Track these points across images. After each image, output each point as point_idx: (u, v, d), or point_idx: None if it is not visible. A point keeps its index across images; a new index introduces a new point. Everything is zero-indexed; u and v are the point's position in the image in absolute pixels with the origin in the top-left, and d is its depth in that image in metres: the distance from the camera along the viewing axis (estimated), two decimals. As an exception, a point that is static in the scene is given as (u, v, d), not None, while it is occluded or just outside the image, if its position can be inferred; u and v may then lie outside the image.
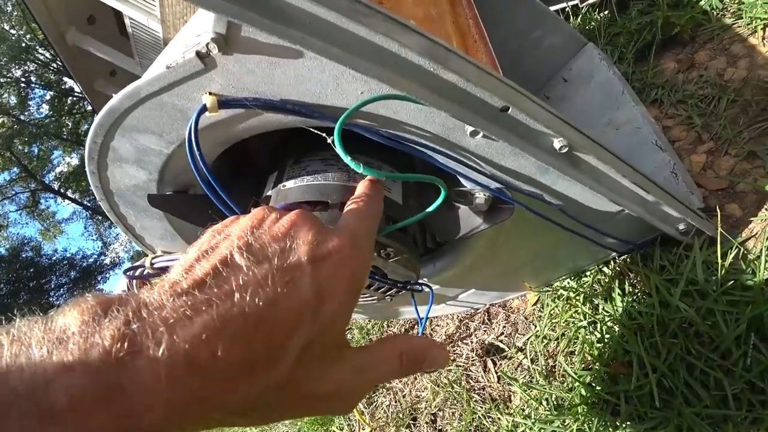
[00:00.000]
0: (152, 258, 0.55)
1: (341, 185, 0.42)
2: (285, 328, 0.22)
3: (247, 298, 0.22)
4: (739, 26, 0.80)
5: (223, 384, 0.20)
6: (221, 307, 0.21)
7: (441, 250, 0.60)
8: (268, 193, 0.46)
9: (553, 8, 0.94)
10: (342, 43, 0.26)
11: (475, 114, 0.32)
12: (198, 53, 0.28)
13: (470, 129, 0.34)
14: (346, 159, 0.30)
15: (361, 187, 0.34)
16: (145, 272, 0.55)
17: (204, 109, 0.29)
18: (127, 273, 0.55)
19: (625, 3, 0.91)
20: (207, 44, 0.27)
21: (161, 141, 0.38)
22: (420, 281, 0.47)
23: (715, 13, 0.83)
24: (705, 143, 0.70)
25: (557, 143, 0.37)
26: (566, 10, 0.95)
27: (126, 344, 0.19)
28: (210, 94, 0.30)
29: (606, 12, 0.95)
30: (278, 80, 0.30)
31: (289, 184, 0.44)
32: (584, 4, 0.93)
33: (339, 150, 0.30)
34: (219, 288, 0.22)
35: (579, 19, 0.96)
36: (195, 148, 0.29)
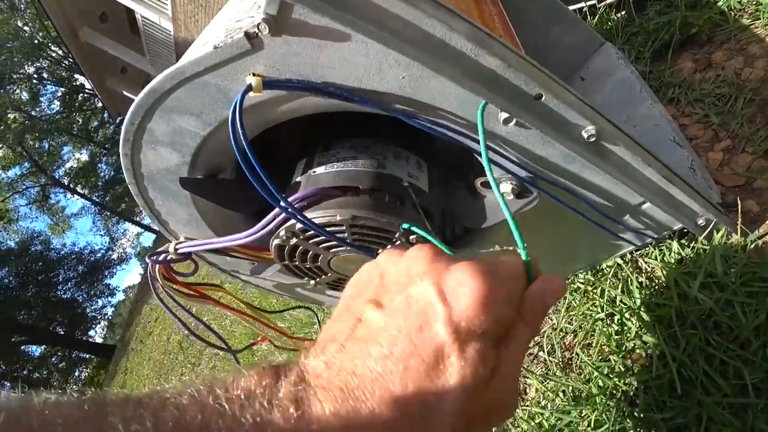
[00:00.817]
0: (176, 244, 0.56)
1: (372, 171, 0.43)
2: (430, 378, 0.22)
3: (385, 352, 0.23)
4: (756, 27, 0.80)
5: None
6: (361, 367, 0.22)
7: (461, 242, 0.61)
8: (298, 179, 0.47)
9: (571, 8, 0.95)
10: (392, 27, 0.27)
11: (510, 101, 0.34)
12: (247, 33, 0.29)
13: (504, 116, 0.35)
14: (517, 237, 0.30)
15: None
16: (168, 257, 0.57)
17: (249, 88, 0.31)
18: (152, 258, 0.57)
19: (643, 3, 0.92)
20: (257, 25, 0.28)
21: (199, 122, 0.39)
22: None
23: (732, 13, 0.83)
24: (722, 141, 0.71)
25: (586, 132, 0.38)
26: (584, 10, 0.96)
27: (298, 406, 0.21)
28: (254, 75, 0.32)
29: (623, 12, 0.96)
30: (322, 63, 0.31)
31: (320, 170, 0.45)
32: (602, 4, 0.94)
33: (498, 197, 0.32)
34: (358, 346, 0.24)
35: (596, 19, 0.97)
36: (238, 127, 0.30)
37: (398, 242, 0.43)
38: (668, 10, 0.87)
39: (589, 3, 0.93)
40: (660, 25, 0.85)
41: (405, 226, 0.39)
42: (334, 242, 0.44)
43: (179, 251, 0.56)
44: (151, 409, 0.20)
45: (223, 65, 0.32)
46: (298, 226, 0.42)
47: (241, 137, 0.30)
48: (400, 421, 0.21)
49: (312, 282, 0.57)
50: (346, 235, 0.41)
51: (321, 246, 0.45)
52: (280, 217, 0.40)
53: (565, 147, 0.38)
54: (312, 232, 0.43)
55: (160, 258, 0.56)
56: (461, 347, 0.22)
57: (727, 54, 0.81)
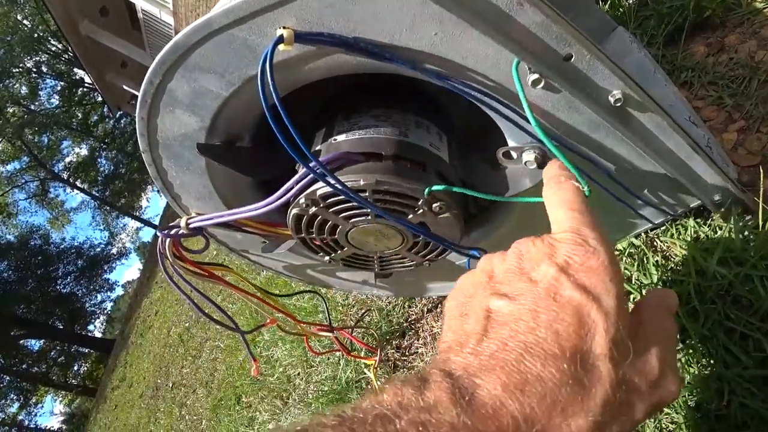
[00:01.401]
0: (188, 219, 0.56)
1: (395, 139, 0.43)
2: (580, 336, 0.23)
3: (531, 324, 0.24)
4: (771, 10, 0.80)
5: (561, 407, 0.21)
6: (515, 343, 0.24)
7: (477, 220, 0.61)
8: (318, 147, 0.47)
9: (583, -9, 0.95)
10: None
11: (540, 61, 0.33)
12: (281, -16, 0.29)
13: (533, 78, 0.35)
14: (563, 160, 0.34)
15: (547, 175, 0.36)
16: (180, 232, 0.56)
17: (281, 39, 0.30)
18: (163, 232, 0.56)
19: (656, -13, 0.91)
20: (293, -27, 0.28)
21: (221, 81, 0.39)
22: (473, 247, 0.48)
23: (746, -3, 0.83)
24: (736, 122, 0.71)
25: (612, 97, 0.38)
26: (596, -7, 0.96)
27: (459, 397, 0.21)
28: (284, 28, 0.31)
29: (635, -2, 0.96)
30: (355, 17, 0.31)
31: (341, 137, 0.45)
32: (614, -13, 0.93)
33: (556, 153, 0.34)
34: (501, 329, 0.25)
35: (608, 5, 0.97)
36: (269, 78, 0.30)
37: (420, 210, 0.43)
38: (682, -7, 0.86)
39: (601, -13, 0.93)
40: (673, 9, 0.84)
41: (436, 188, 0.39)
42: (355, 212, 0.44)
43: (191, 226, 0.55)
44: None
45: (252, 17, 0.31)
46: (320, 192, 0.42)
47: (272, 90, 0.30)
48: (567, 377, 0.22)
49: (327, 258, 0.57)
50: (369, 200, 0.41)
51: (341, 216, 0.45)
52: (305, 180, 0.40)
53: (592, 111, 0.38)
54: (332, 200, 0.43)
55: (172, 232, 0.55)
56: (597, 302, 0.24)
57: (741, 37, 0.81)
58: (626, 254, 0.64)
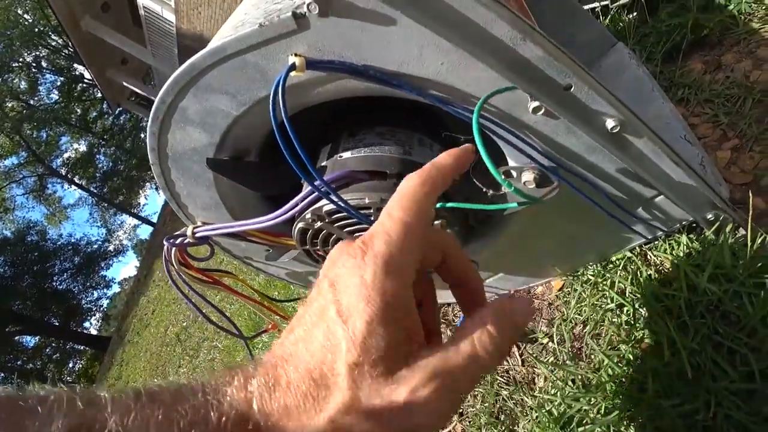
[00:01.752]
0: (194, 228, 0.57)
1: (399, 158, 0.44)
2: (324, 354, 0.24)
3: (296, 337, 0.26)
4: (766, 31, 0.82)
5: (294, 421, 0.23)
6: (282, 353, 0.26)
7: (476, 231, 0.63)
8: (323, 163, 0.49)
9: (584, 7, 0.97)
10: (437, 12, 0.29)
11: (540, 91, 0.35)
12: (294, 13, 0.30)
13: (533, 105, 0.36)
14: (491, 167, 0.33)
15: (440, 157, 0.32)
16: (186, 241, 0.58)
17: (293, 67, 0.32)
18: (169, 240, 0.58)
19: (655, 5, 0.93)
20: (308, 4, 0.29)
21: (233, 102, 0.40)
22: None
23: (742, 17, 0.85)
24: (730, 140, 0.73)
25: (609, 123, 0.40)
26: (597, 10, 0.97)
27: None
28: (296, 55, 0.33)
29: (635, 14, 0.98)
30: (365, 46, 0.32)
31: (346, 155, 0.46)
32: (614, 5, 0.95)
33: (482, 152, 0.33)
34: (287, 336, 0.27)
35: (608, 20, 0.99)
36: (280, 104, 0.31)
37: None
38: (680, 12, 0.88)
39: (602, 3, 0.95)
40: (672, 27, 0.86)
41: (437, 205, 0.41)
42: (359, 226, 0.45)
43: (197, 235, 0.56)
44: None
45: (266, 44, 0.33)
46: (325, 208, 0.43)
47: (283, 113, 0.31)
48: (306, 391, 0.24)
49: (330, 267, 0.58)
50: (373, 219, 0.42)
51: (345, 230, 0.47)
52: (310, 197, 0.41)
53: (589, 137, 0.40)
54: (337, 216, 0.44)
55: (177, 241, 0.57)
56: (345, 323, 0.24)
57: (737, 56, 0.83)
58: (621, 267, 0.66)
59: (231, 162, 0.48)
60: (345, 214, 0.43)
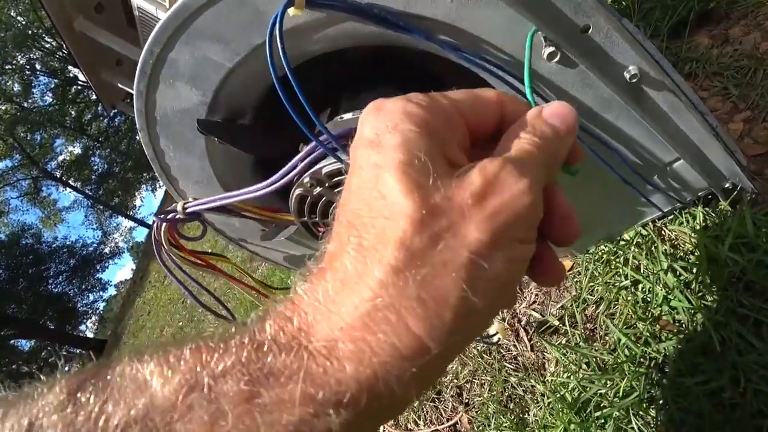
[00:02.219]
0: (184, 203, 0.54)
1: None
2: (371, 194, 0.20)
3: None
4: (775, 3, 0.80)
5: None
6: None
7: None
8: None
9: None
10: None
11: (556, 32, 0.32)
12: (292, -58, 0.28)
13: (548, 51, 0.33)
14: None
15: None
16: (177, 216, 0.54)
17: (290, 3, 0.29)
18: (159, 216, 0.54)
19: (660, -21, 0.91)
20: (307, -71, 0.26)
21: (226, 51, 0.37)
22: None
23: (751, -11, 0.83)
24: (742, 112, 0.70)
25: (629, 72, 0.37)
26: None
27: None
28: (294, -7, 0.30)
29: (638, -11, 0.95)
30: (369, -22, 0.29)
31: (347, 116, 0.43)
32: (618, -21, 0.93)
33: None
34: None
35: (611, -4, 0.96)
36: (279, 44, 0.29)
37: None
38: (687, -15, 0.86)
39: (606, -22, 0.92)
40: (678, 1, 0.84)
41: None
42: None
43: (188, 210, 0.53)
44: None
45: (262, -21, 0.30)
46: (325, 170, 0.40)
47: (282, 56, 0.29)
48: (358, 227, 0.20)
49: (329, 244, 0.55)
50: None
51: (346, 196, 0.44)
52: (312, 156, 0.38)
53: (606, 87, 0.37)
54: (338, 179, 0.41)
55: (168, 217, 0.54)
56: (379, 146, 0.21)
57: (745, 29, 0.80)
58: (634, 244, 0.63)
59: (223, 124, 0.45)
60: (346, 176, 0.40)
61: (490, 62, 0.34)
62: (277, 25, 0.28)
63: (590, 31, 0.33)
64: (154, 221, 0.55)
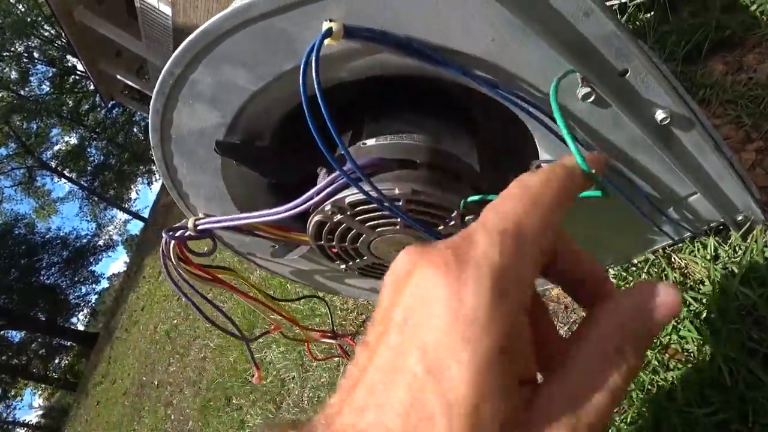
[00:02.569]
0: (196, 220, 0.53)
1: (429, 146, 0.41)
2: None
3: (362, 400, 0.17)
4: (788, 32, 0.80)
5: None
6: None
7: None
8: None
9: (601, 3, 0.95)
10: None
11: (595, 74, 0.32)
12: (332, -25, 0.27)
13: (583, 92, 0.33)
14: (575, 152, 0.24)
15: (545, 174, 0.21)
16: (186, 234, 0.54)
17: (328, 33, 0.28)
18: (168, 233, 0.54)
19: (675, 4, 0.91)
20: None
21: (250, 75, 0.36)
22: None
23: (765, 18, 0.83)
24: (754, 142, 0.71)
25: (660, 115, 0.37)
26: (614, 7, 0.95)
27: None
28: (331, 21, 0.29)
29: (652, 13, 0.96)
30: (408, 13, 0.29)
31: (370, 142, 0.43)
32: (632, 3, 0.93)
33: (569, 142, 0.25)
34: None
35: (625, 18, 0.96)
36: (315, 74, 0.28)
37: (452, 222, 0.41)
38: (702, 11, 0.86)
39: (621, 1, 0.93)
40: (694, 26, 0.84)
41: (471, 198, 0.37)
42: (382, 221, 0.42)
43: (199, 228, 0.53)
44: None
45: (299, 5, 0.29)
46: (348, 199, 0.40)
47: (315, 85, 0.28)
48: None
49: (343, 266, 0.55)
50: (405, 212, 0.39)
51: (367, 224, 0.43)
52: (334, 185, 0.38)
53: (636, 128, 0.37)
54: (361, 208, 0.41)
55: (177, 234, 0.53)
56: (436, 380, 0.15)
57: (759, 58, 0.81)
58: (644, 270, 0.63)
59: (242, 146, 0.45)
60: (369, 207, 0.40)
61: (525, 100, 0.34)
62: (314, 55, 0.28)
63: (628, 75, 0.33)
64: (163, 237, 0.54)
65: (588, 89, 0.33)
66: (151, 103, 0.42)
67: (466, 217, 0.40)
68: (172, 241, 0.53)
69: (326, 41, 0.29)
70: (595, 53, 0.31)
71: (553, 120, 0.35)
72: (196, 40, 0.34)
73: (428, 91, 0.48)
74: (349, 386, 0.18)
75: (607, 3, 0.96)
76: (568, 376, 0.17)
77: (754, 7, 0.83)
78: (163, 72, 0.38)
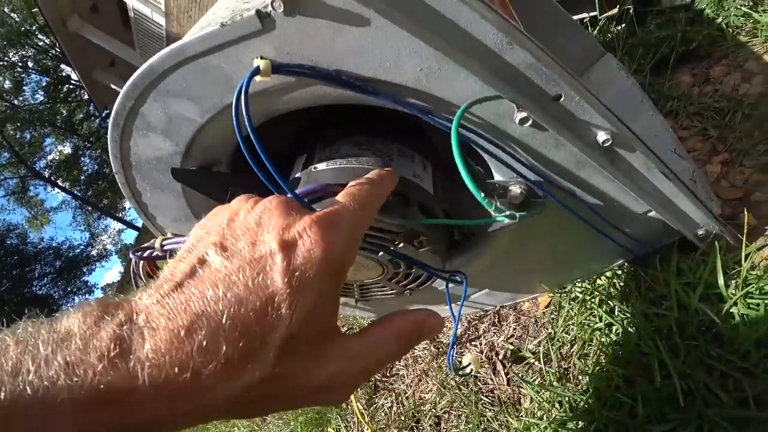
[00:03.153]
0: (162, 240, 0.53)
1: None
2: (260, 323, 0.22)
3: (220, 295, 0.22)
4: (754, 44, 0.81)
5: (203, 382, 0.21)
6: (196, 306, 0.22)
7: (461, 247, 0.60)
8: (297, 175, 0.46)
9: (573, 18, 0.96)
10: (416, 13, 0.26)
11: (528, 100, 0.32)
12: (259, 12, 0.28)
13: (520, 116, 0.34)
14: (474, 191, 0.29)
15: (372, 173, 0.33)
16: (154, 254, 0.54)
17: (257, 71, 0.29)
18: (136, 254, 0.54)
19: (643, 17, 0.93)
20: (272, 2, 0.26)
21: (196, 108, 0.37)
22: (455, 270, 0.47)
23: (731, 30, 0.85)
24: (720, 154, 0.72)
25: (601, 137, 0.37)
26: (585, 20, 0.97)
27: (118, 346, 0.20)
28: (262, 58, 0.30)
29: (623, 25, 0.97)
30: (337, 49, 0.29)
31: (321, 166, 0.44)
32: (603, 16, 0.94)
33: (463, 174, 0.29)
34: (195, 287, 0.23)
35: (597, 31, 0.98)
36: (243, 112, 0.29)
37: (401, 244, 0.41)
38: (668, 24, 0.88)
39: (591, 14, 0.94)
40: (661, 39, 0.85)
41: (415, 222, 0.38)
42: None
43: (165, 247, 0.53)
44: None
45: (229, 45, 0.30)
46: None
47: (246, 122, 0.29)
48: (224, 357, 0.21)
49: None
50: None
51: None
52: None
53: (579, 150, 0.37)
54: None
55: (145, 254, 0.53)
56: (295, 296, 0.23)
57: (725, 69, 0.82)
58: (610, 284, 0.63)
59: (198, 172, 0.45)
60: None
61: (462, 126, 0.35)
62: (243, 94, 0.28)
63: (562, 99, 0.34)
64: (131, 258, 0.54)
65: (524, 114, 0.34)
66: (109, 133, 0.42)
67: (415, 240, 0.41)
68: (141, 262, 0.53)
69: (257, 78, 0.29)
70: (525, 80, 0.31)
71: (490, 142, 0.36)
72: (142, 76, 0.35)
73: (380, 111, 0.48)
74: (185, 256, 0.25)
75: (579, 16, 0.98)
76: (364, 337, 0.27)
77: (719, 20, 0.85)
78: (116, 104, 0.39)
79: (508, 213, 0.30)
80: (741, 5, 0.84)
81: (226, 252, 0.24)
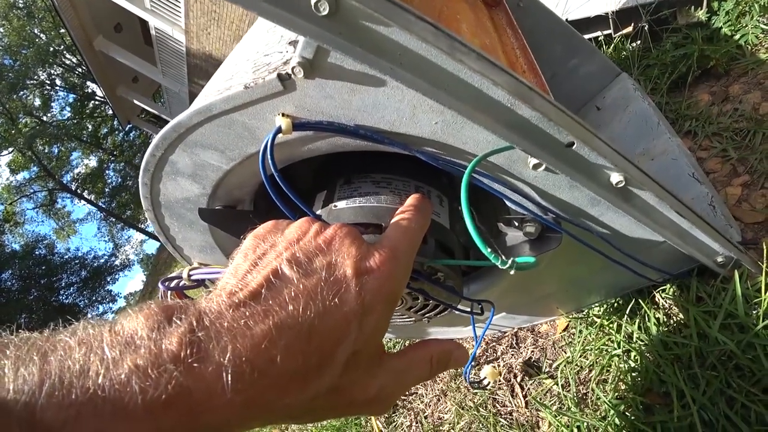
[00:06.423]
0: (190, 270, 0.56)
1: (395, 208, 0.43)
2: (333, 338, 0.24)
3: (300, 309, 0.23)
4: (774, 62, 0.80)
5: (279, 389, 0.22)
6: (276, 317, 0.23)
7: (476, 274, 0.61)
8: (318, 212, 0.47)
9: (587, 36, 0.96)
10: (430, 76, 0.28)
11: (541, 148, 0.33)
12: (280, 75, 0.29)
13: (533, 162, 0.35)
14: (485, 251, 0.31)
15: (410, 200, 0.35)
16: (181, 284, 0.56)
17: (279, 130, 0.31)
18: (164, 283, 0.56)
19: (659, 35, 0.92)
20: (292, 68, 0.28)
21: (222, 157, 0.39)
22: (480, 299, 0.49)
23: (749, 47, 0.84)
24: (740, 176, 0.71)
25: (614, 178, 0.38)
26: (600, 38, 0.97)
27: (193, 350, 0.21)
28: (283, 115, 0.32)
29: (638, 42, 0.97)
30: (355, 106, 0.31)
31: (341, 204, 0.45)
32: (618, 34, 0.94)
33: (471, 229, 0.32)
34: (273, 299, 0.24)
35: (611, 48, 0.98)
36: (270, 162, 0.30)
37: (419, 280, 0.43)
38: (685, 42, 0.87)
39: (605, 32, 0.94)
40: (677, 58, 0.85)
41: (432, 262, 0.39)
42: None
43: (193, 278, 0.55)
44: (43, 350, 0.19)
45: (252, 104, 0.32)
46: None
47: (273, 170, 0.30)
48: (301, 368, 0.23)
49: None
50: None
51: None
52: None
53: (592, 192, 0.38)
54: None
55: (173, 284, 0.55)
56: (364, 316, 0.25)
57: (744, 88, 0.81)
58: (628, 310, 0.63)
59: (223, 212, 0.47)
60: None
61: (477, 172, 0.36)
62: (268, 151, 0.30)
63: (575, 146, 0.35)
64: (160, 288, 0.57)
65: (537, 160, 0.35)
66: (140, 177, 0.45)
67: (432, 276, 0.42)
68: (169, 292, 0.56)
69: (280, 135, 0.31)
70: (537, 131, 0.32)
71: (514, 190, 0.37)
72: (169, 131, 0.37)
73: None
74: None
75: (593, 35, 0.98)
76: (404, 357, 0.31)
77: (737, 37, 0.84)
78: (146, 154, 0.41)
79: (509, 263, 0.31)
80: (759, 22, 0.84)
81: (301, 269, 0.26)
